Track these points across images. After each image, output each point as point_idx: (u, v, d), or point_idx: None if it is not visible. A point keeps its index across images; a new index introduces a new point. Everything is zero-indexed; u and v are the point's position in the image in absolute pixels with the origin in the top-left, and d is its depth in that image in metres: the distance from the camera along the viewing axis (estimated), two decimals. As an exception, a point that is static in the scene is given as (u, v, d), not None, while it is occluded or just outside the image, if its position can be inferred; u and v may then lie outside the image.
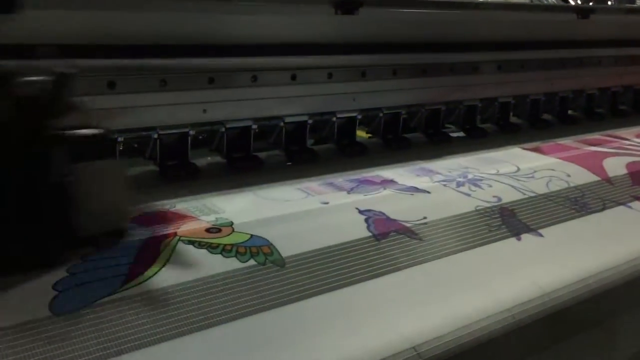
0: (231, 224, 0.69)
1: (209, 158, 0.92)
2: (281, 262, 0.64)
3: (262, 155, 0.94)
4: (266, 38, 0.89)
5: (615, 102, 1.46)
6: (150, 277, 0.57)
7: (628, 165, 1.08)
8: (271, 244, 0.66)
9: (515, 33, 1.19)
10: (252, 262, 0.63)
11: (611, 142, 1.20)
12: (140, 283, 0.56)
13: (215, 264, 0.61)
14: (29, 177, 0.52)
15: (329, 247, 0.69)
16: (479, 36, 1.13)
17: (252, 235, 0.67)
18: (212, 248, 0.63)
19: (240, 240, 0.66)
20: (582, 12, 1.28)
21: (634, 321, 0.80)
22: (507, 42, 1.18)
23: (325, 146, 1.03)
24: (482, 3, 1.10)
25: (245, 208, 0.75)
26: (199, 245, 0.63)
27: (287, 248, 0.66)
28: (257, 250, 0.65)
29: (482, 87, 1.17)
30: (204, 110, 0.85)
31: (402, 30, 1.02)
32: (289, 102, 0.93)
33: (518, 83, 1.23)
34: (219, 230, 0.67)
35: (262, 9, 0.88)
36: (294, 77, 0.92)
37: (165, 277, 0.57)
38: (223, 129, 0.88)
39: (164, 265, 0.59)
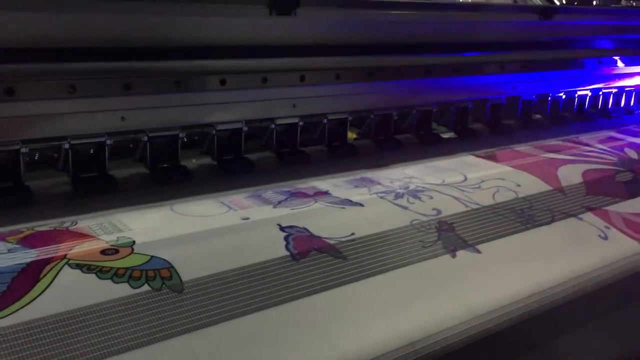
0: (132, 244, 0.64)
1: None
2: (179, 287, 0.59)
3: (191, 165, 0.89)
4: (193, 40, 0.84)
5: (581, 105, 1.41)
6: (19, 309, 0.51)
7: (584, 173, 1.02)
8: (172, 267, 0.61)
9: (471, 34, 1.14)
10: (145, 287, 0.58)
11: (571, 148, 1.15)
12: (5, 316, 0.51)
13: (101, 291, 0.56)
14: None
15: (238, 269, 0.63)
16: (431, 37, 1.08)
17: (152, 257, 0.62)
18: (102, 272, 0.58)
19: (138, 263, 0.61)
20: (544, 12, 1.23)
21: (573, 344, 0.75)
22: (462, 43, 1.13)
23: (265, 154, 0.97)
24: (429, 3, 1.04)
25: (154, 225, 0.69)
26: (88, 269, 0.58)
27: (189, 271, 0.61)
28: (155, 273, 0.60)
29: (437, 91, 1.12)
30: (122, 118, 0.79)
31: (344, 32, 0.97)
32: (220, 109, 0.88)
33: (476, 86, 1.18)
34: (116, 252, 0.62)
35: (186, 9, 0.82)
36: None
37: (37, 308, 0.52)
38: (146, 138, 0.83)
39: (40, 294, 0.54)
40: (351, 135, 1.10)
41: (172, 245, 0.65)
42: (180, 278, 0.60)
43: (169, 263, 0.61)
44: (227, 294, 0.60)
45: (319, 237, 0.71)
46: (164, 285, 0.59)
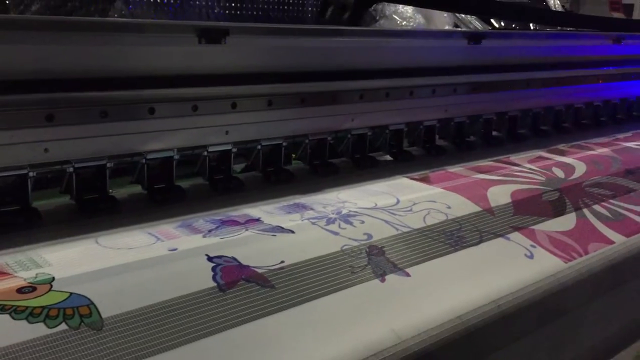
0: (51, 280, 0.62)
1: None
2: (98, 325, 0.58)
3: (120, 195, 0.88)
4: (120, 70, 0.83)
5: (514, 126, 1.46)
6: None
7: (513, 193, 1.06)
8: (92, 303, 0.60)
9: (403, 59, 1.17)
10: (63, 326, 0.56)
11: (501, 168, 1.18)
12: None
13: (14, 332, 0.54)
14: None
15: (162, 302, 0.62)
16: (362, 63, 1.10)
17: (71, 294, 0.60)
18: (17, 312, 0.56)
19: (56, 301, 0.59)
20: (473, 37, 1.27)
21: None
22: (395, 69, 1.15)
23: (197, 182, 0.97)
24: (360, 30, 1.06)
25: (76, 260, 0.68)
26: (2, 309, 0.56)
27: (110, 307, 0.60)
28: (73, 311, 0.58)
29: (371, 115, 1.14)
30: (46, 150, 0.78)
31: (276, 59, 0.97)
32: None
33: (409, 110, 1.20)
34: (34, 289, 0.60)
35: (112, 39, 0.81)
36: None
37: (-57, 353, 0.50)
38: (71, 169, 0.81)
39: (-52, 338, 0.52)
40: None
41: (94, 281, 0.63)
42: (100, 315, 0.59)
43: (89, 299, 0.60)
44: (149, 329, 0.59)
45: (247, 267, 0.71)
46: (82, 324, 0.57)
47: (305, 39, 0.99)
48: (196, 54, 0.88)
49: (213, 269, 0.69)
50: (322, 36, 1.02)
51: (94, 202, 0.83)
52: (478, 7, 1.45)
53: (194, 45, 0.87)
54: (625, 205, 1.14)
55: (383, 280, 0.75)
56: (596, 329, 0.93)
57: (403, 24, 2.01)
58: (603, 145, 1.46)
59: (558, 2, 2.92)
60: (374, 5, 1.66)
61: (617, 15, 3.42)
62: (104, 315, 0.59)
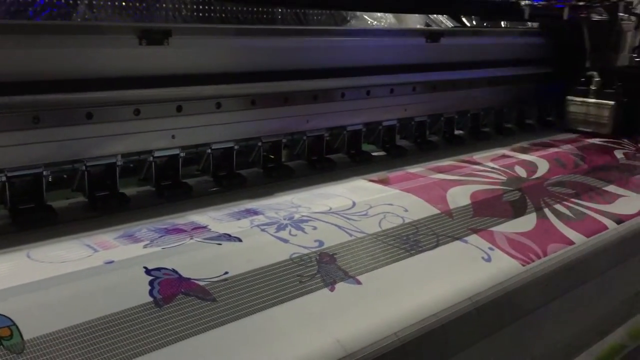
0: (-28, 300, 0.58)
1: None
2: (19, 348, 0.54)
3: (60, 205, 0.84)
4: (54, 72, 0.79)
5: (477, 124, 1.44)
6: None
7: (472, 194, 1.03)
8: (14, 324, 0.56)
9: (359, 58, 1.14)
10: (-21, 350, 0.52)
11: (463, 168, 1.16)
12: None
13: None
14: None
15: (91, 321, 0.58)
16: (318, 63, 1.07)
17: (-8, 314, 0.56)
18: None
19: (-26, 323, 0.55)
20: (431, 35, 1.25)
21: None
22: (351, 68, 1.13)
23: (144, 189, 0.93)
24: (313, 29, 1.03)
25: (3, 275, 0.63)
26: None
27: (33, 327, 0.56)
28: (-8, 334, 0.54)
29: (327, 116, 1.11)
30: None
31: (222, 60, 0.94)
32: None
33: (366, 110, 1.17)
34: (-49, 311, 0.56)
35: (47, 40, 0.77)
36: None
37: None
38: (4, 178, 0.76)
39: None
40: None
41: (17, 299, 0.59)
42: (21, 336, 0.55)
43: (11, 320, 0.56)
44: (75, 350, 0.55)
45: (188, 279, 0.67)
46: (1, 347, 0.53)
47: (252, 39, 0.96)
48: (136, 56, 0.84)
49: (150, 282, 0.65)
50: (271, 35, 0.99)
51: (29, 212, 0.79)
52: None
53: (134, 47, 0.83)
54: (587, 204, 1.12)
55: (332, 289, 0.72)
56: (553, 332, 0.91)
57: (374, 23, 1.99)
58: (568, 142, 1.44)
59: None
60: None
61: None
62: (25, 337, 0.55)
